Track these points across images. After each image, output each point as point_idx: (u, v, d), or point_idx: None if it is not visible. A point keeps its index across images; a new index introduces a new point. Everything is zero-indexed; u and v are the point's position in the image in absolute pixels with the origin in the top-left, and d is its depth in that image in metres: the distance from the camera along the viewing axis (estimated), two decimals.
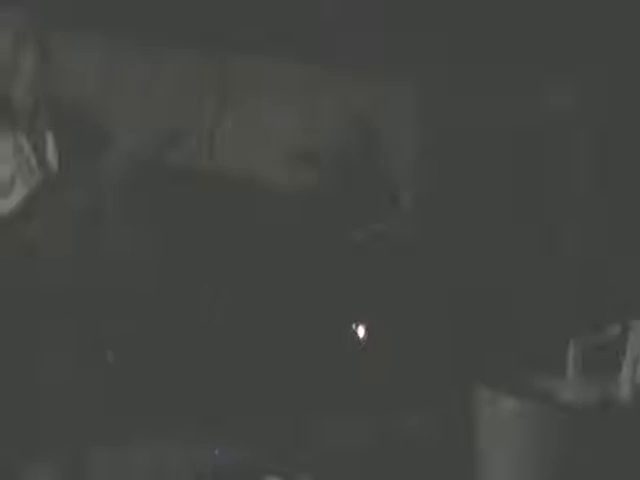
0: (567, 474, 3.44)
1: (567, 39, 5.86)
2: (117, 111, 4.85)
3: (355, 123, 5.87)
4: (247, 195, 5.60)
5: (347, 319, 5.54)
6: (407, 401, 5.18)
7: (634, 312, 3.93)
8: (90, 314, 3.94)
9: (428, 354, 5.47)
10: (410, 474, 4.48)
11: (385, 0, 5.81)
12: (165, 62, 5.58)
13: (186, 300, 5.28)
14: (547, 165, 6.19)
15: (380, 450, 4.74)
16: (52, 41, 3.87)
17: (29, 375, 3.79)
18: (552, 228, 6.08)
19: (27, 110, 3.87)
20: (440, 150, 6.21)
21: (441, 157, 6.19)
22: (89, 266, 3.93)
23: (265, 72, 5.79)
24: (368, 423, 5.03)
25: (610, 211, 6.05)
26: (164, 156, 4.64)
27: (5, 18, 4.27)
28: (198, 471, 4.42)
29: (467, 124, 6.15)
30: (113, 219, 4.10)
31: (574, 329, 3.98)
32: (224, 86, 5.70)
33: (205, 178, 5.54)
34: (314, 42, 5.76)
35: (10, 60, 3.85)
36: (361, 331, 5.46)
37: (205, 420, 4.85)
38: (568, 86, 6.12)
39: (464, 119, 6.15)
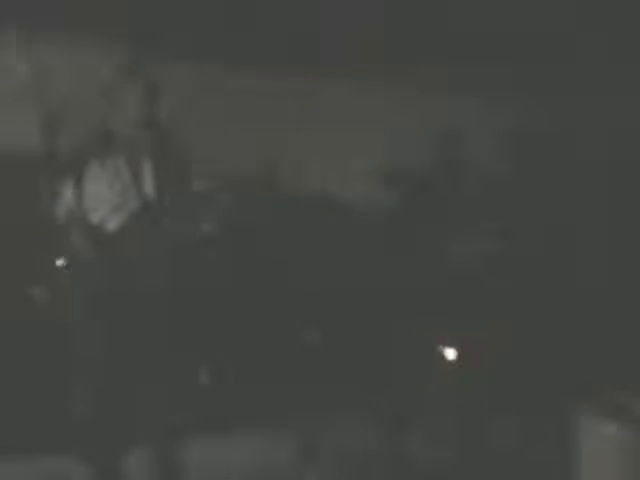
0: None
1: None
2: (206, 139, 5.02)
3: (442, 142, 5.91)
4: (334, 214, 5.70)
5: (445, 333, 5.51)
6: (507, 424, 5.15)
7: None
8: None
9: (530, 377, 5.42)
10: None
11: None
12: (251, 86, 5.72)
13: (285, 317, 5.46)
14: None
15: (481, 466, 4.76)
16: (154, 73, 4.03)
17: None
18: None
19: (128, 139, 4.03)
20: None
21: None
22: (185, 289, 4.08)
23: (352, 91, 5.91)
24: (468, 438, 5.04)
25: None
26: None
27: (110, 51, 4.88)
28: None
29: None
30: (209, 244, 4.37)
31: None
32: (310, 105, 5.89)
33: (292, 198, 5.64)
34: (399, 61, 5.91)
35: (114, 91, 4.03)
36: (449, 353, 5.45)
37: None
38: None
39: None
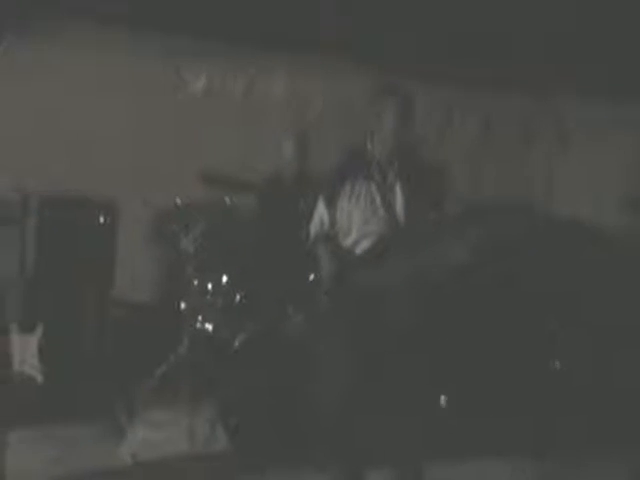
0: None
1: None
2: (456, 163, 4.91)
3: None
4: (578, 240, 5.49)
5: None
6: None
7: None
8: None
9: None
10: None
11: None
12: (496, 110, 5.70)
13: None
14: None
15: None
16: (411, 96, 3.95)
17: None
18: None
19: (381, 161, 4.05)
20: None
21: None
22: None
23: (597, 117, 5.72)
24: None
25: None
26: None
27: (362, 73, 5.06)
28: None
29: None
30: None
31: None
32: (559, 132, 5.80)
33: (547, 224, 5.50)
34: None
35: (372, 113, 4.01)
36: None
37: None
38: None
39: None
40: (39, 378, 5.18)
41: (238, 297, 5.51)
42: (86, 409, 5.17)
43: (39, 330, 5.20)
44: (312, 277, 5.02)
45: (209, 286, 5.56)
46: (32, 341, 5.18)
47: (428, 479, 4.07)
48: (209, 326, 5.54)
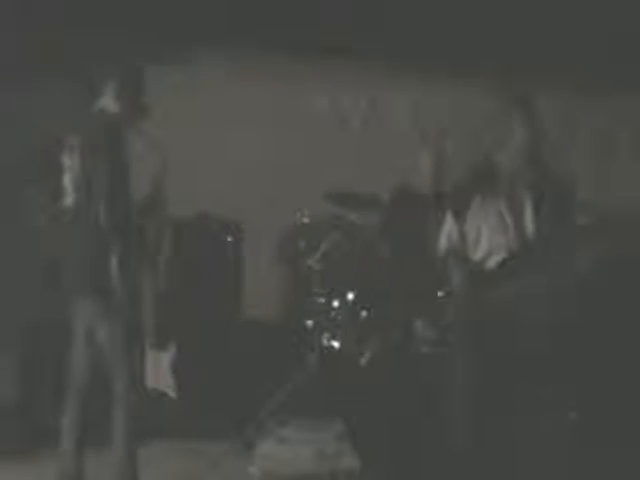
0: None
1: None
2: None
3: None
4: None
5: None
6: None
7: None
8: None
9: None
10: None
11: None
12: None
13: None
14: None
15: None
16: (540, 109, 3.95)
17: None
18: None
19: (509, 175, 4.02)
20: None
21: None
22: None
23: None
24: None
25: None
26: None
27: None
28: None
29: None
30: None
31: None
32: None
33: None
34: None
35: (501, 126, 3.99)
36: None
37: None
38: None
39: None
40: (172, 395, 5.31)
41: (364, 313, 5.55)
42: (217, 424, 5.27)
43: (172, 347, 5.33)
44: (442, 292, 5.00)
45: (335, 303, 5.63)
46: (165, 358, 5.33)
47: None
48: (336, 343, 5.59)
